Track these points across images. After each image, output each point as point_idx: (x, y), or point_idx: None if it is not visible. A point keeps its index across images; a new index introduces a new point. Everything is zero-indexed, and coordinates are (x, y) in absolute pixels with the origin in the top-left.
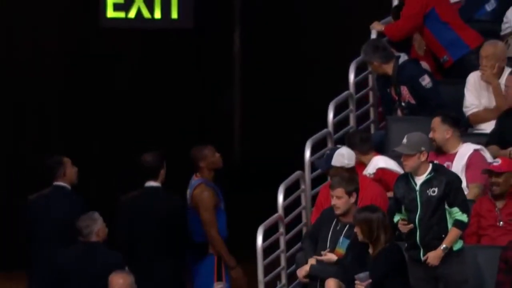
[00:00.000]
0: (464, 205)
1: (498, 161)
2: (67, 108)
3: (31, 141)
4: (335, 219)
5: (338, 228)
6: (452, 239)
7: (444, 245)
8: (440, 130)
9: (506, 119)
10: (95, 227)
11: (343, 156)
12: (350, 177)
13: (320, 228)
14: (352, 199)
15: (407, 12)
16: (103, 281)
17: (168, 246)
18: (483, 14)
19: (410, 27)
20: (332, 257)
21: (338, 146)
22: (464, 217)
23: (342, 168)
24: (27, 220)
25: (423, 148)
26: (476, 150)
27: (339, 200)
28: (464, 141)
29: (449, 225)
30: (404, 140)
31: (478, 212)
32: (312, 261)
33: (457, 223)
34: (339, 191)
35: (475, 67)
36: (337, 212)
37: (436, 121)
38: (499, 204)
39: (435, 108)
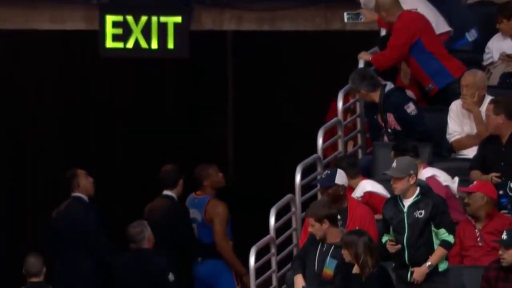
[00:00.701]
0: (451, 227)
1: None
2: (67, 135)
3: (31, 167)
4: (321, 241)
5: (324, 249)
6: (437, 257)
7: (429, 263)
8: None
9: (487, 146)
10: (147, 232)
11: (344, 176)
12: (326, 202)
13: (307, 250)
14: (325, 225)
15: (393, 42)
16: (158, 286)
17: (166, 246)
18: (465, 44)
19: (396, 57)
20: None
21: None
22: (450, 238)
23: (342, 186)
24: (50, 235)
25: (411, 172)
26: (428, 178)
27: (312, 228)
28: (437, 166)
29: (435, 246)
30: (394, 164)
31: (459, 234)
32: (299, 280)
33: (444, 243)
34: (310, 220)
35: (458, 96)
36: (317, 238)
37: (391, 155)
38: (479, 225)
39: (419, 134)
